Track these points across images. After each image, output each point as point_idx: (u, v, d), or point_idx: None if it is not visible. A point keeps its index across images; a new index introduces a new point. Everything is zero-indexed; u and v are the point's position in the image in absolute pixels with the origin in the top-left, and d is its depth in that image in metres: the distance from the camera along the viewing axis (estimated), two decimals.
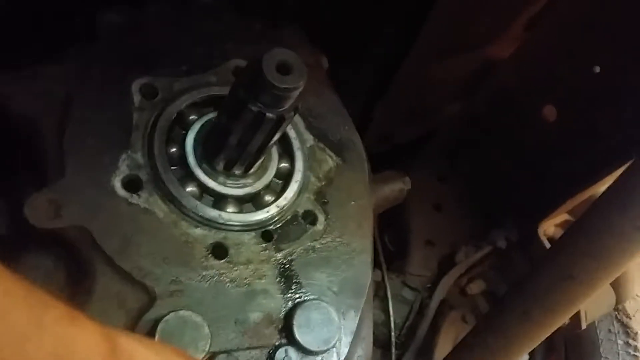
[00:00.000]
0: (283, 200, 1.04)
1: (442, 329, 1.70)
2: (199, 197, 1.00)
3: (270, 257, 0.99)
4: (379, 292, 1.67)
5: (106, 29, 1.10)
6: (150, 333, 0.84)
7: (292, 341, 0.92)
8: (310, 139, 1.14)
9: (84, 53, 1.06)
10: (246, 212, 1.02)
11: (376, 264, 1.67)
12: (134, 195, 0.94)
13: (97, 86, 1.01)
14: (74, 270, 0.91)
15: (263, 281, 0.96)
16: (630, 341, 1.78)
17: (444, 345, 1.67)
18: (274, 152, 1.08)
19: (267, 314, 0.94)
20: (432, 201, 1.93)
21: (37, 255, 0.92)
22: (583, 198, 1.54)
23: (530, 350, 1.23)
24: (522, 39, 1.66)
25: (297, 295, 0.97)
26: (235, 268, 0.96)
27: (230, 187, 1.02)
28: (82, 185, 0.91)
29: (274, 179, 1.07)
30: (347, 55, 1.53)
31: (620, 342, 1.78)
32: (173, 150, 1.02)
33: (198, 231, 0.96)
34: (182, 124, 1.04)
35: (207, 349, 0.85)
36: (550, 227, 1.66)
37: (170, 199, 0.96)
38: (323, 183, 1.11)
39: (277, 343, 0.93)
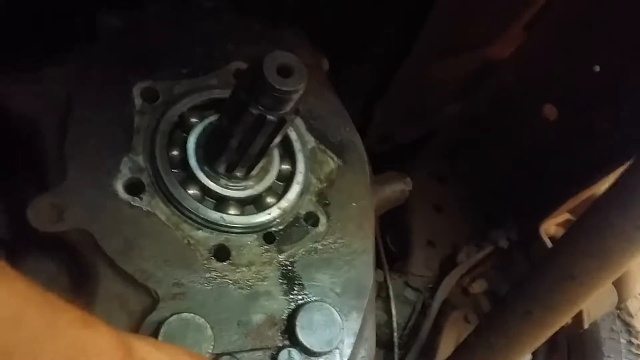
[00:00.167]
0: (285, 202, 1.04)
1: (444, 329, 1.70)
2: (201, 200, 1.00)
3: (272, 259, 0.99)
4: (381, 293, 1.67)
5: (106, 29, 1.10)
6: (153, 335, 0.84)
7: (295, 342, 0.92)
8: (311, 141, 1.14)
9: (84, 53, 1.06)
10: (248, 214, 1.02)
11: (378, 265, 1.66)
12: (136, 198, 0.95)
13: (97, 86, 1.02)
14: (76, 273, 0.92)
15: (265, 283, 0.97)
16: (633, 340, 1.78)
17: (446, 345, 1.66)
18: (276, 154, 1.08)
19: (269, 315, 0.94)
20: (432, 202, 1.93)
21: (40, 258, 0.93)
22: (583, 197, 1.54)
23: (533, 349, 1.23)
24: (521, 38, 1.66)
25: (300, 297, 0.98)
26: (238, 270, 0.96)
27: (232, 189, 1.02)
28: (84, 189, 0.91)
29: (276, 181, 1.07)
30: (347, 56, 1.53)
31: (622, 340, 1.77)
32: (174, 153, 1.02)
33: (200, 233, 0.97)
34: (183, 127, 1.05)
35: (210, 351, 0.85)
36: (551, 227, 1.66)
37: (172, 202, 0.96)
38: (324, 185, 1.11)
39: (280, 344, 0.93)
